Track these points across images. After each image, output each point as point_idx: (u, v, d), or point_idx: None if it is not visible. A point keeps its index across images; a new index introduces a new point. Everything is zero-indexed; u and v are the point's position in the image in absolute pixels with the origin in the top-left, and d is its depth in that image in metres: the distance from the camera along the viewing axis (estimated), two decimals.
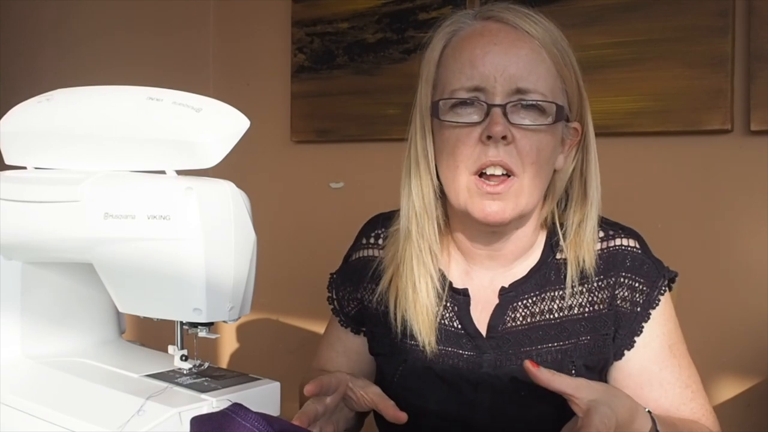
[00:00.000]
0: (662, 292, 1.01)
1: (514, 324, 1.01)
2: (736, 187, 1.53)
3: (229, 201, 0.81)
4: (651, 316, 1.00)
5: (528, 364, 0.85)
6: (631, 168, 1.60)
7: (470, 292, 1.04)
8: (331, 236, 2.09)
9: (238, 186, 0.84)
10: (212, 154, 0.79)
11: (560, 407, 0.96)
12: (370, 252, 1.12)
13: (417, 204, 1.01)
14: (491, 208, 0.93)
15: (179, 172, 0.82)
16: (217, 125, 0.80)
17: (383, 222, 1.12)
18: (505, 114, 0.92)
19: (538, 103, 0.93)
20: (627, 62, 1.59)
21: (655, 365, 1.00)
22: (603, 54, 1.60)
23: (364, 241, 1.14)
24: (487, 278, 1.04)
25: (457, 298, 1.04)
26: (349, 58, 2.03)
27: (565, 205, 1.04)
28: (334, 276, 1.18)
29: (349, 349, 1.16)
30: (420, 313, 1.01)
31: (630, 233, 1.04)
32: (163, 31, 2.31)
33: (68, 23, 2.47)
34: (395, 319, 1.03)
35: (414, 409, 1.02)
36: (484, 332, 1.02)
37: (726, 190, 1.54)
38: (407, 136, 1.05)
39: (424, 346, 1.01)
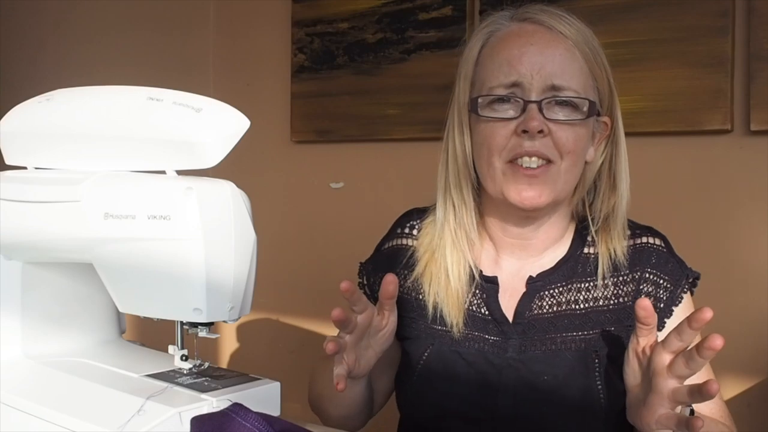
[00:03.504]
0: (685, 290, 1.04)
1: (540, 312, 1.03)
2: (736, 187, 1.53)
3: (229, 201, 0.81)
4: (673, 313, 1.02)
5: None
6: (631, 168, 1.59)
7: (499, 280, 1.06)
8: (331, 236, 2.10)
9: (238, 186, 0.84)
10: (212, 154, 0.79)
11: (582, 392, 0.97)
12: (404, 241, 1.15)
13: (455, 195, 1.06)
14: (527, 192, 0.97)
15: (179, 172, 0.82)
16: (217, 125, 0.80)
17: (418, 214, 1.16)
18: (540, 110, 0.96)
19: (572, 99, 0.97)
20: (627, 62, 1.59)
21: None
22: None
23: (399, 231, 1.17)
24: (515, 267, 1.07)
25: (486, 286, 1.06)
26: (349, 58, 2.03)
27: (593, 197, 1.07)
28: (365, 264, 1.20)
29: None
30: (450, 296, 1.05)
31: (656, 233, 1.07)
32: (163, 31, 2.32)
33: (68, 23, 2.47)
34: (428, 303, 1.06)
35: (438, 394, 1.04)
36: (510, 318, 1.04)
37: (726, 190, 1.54)
38: (444, 133, 1.09)
39: (451, 328, 1.04)
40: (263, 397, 0.86)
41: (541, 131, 0.95)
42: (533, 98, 0.96)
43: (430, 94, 1.85)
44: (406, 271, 1.12)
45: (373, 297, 1.17)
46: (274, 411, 0.87)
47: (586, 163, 1.03)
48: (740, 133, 1.51)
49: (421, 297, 1.08)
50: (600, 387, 0.98)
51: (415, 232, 1.14)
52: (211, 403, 0.80)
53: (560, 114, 0.97)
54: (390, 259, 1.15)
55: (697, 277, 1.06)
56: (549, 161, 0.97)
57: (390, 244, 1.17)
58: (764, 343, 1.49)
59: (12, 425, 0.87)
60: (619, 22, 1.60)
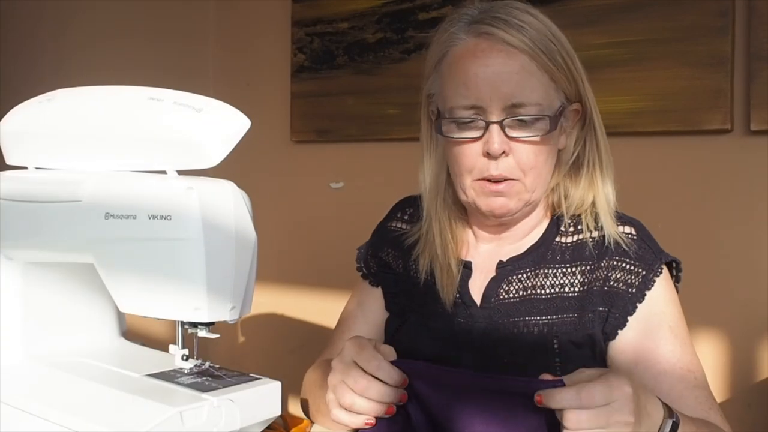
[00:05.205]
0: (658, 274, 1.03)
1: (507, 297, 1.06)
2: (736, 187, 1.53)
3: (230, 201, 0.81)
4: (646, 297, 1.02)
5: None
6: (631, 168, 1.60)
7: (473, 264, 1.09)
8: (330, 236, 2.10)
9: (239, 186, 0.84)
10: (213, 154, 0.79)
11: (539, 375, 0.98)
12: (399, 225, 1.20)
13: (436, 191, 1.09)
14: (496, 203, 1.01)
15: (180, 172, 0.82)
16: (217, 125, 0.80)
17: (414, 201, 1.18)
18: (502, 129, 0.97)
19: (532, 117, 0.97)
20: (627, 62, 1.59)
21: (651, 342, 1.00)
22: (603, 54, 1.61)
23: (398, 215, 1.21)
24: (492, 249, 1.10)
25: (461, 270, 1.09)
26: (349, 58, 2.03)
27: (572, 186, 1.06)
28: (361, 248, 1.23)
29: (372, 311, 1.20)
30: (443, 277, 1.08)
31: (628, 221, 1.07)
32: (164, 31, 2.31)
33: (69, 23, 2.47)
34: (419, 282, 1.10)
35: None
36: (478, 302, 1.06)
37: (726, 190, 1.54)
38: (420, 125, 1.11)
39: (444, 304, 1.07)
40: (263, 397, 0.86)
41: (504, 152, 0.97)
42: (494, 119, 0.97)
43: None
44: (399, 252, 1.16)
45: (371, 275, 1.20)
46: (275, 411, 0.87)
47: (559, 151, 1.04)
48: (740, 133, 1.51)
49: (413, 276, 1.12)
50: (558, 372, 0.98)
51: (406, 217, 1.19)
52: (212, 402, 0.81)
53: (523, 132, 0.98)
54: (385, 239, 1.19)
55: (674, 262, 1.05)
56: (513, 179, 0.99)
57: (387, 226, 1.21)
58: (764, 343, 1.49)
59: (13, 425, 0.87)
60: (618, 21, 1.60)
